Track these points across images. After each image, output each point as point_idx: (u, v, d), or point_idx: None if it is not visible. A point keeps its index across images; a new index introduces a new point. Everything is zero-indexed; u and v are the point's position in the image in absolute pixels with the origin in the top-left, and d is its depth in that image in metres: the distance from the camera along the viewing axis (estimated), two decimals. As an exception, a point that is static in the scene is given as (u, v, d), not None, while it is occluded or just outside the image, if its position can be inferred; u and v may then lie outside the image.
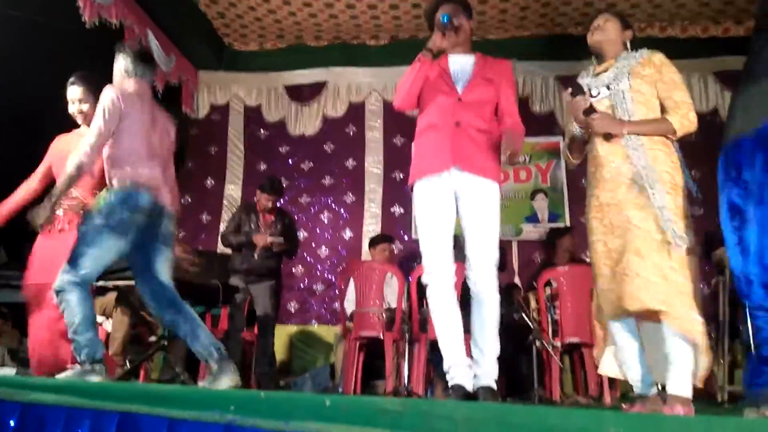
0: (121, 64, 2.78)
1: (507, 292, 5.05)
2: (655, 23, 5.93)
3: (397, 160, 6.16)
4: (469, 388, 2.43)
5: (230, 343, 4.07)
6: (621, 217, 2.15)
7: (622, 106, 2.22)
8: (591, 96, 2.27)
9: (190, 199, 6.03)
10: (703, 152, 5.72)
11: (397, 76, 6.31)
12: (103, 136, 2.58)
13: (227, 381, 2.50)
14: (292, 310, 5.83)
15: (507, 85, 2.61)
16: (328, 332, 5.38)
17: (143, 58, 2.84)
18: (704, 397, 4.37)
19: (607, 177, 2.21)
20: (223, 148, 6.22)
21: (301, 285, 5.89)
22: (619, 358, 2.28)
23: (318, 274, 5.94)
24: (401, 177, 6.14)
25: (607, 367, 2.34)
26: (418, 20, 5.86)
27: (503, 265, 4.76)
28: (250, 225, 4.58)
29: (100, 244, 2.51)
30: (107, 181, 2.67)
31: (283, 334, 5.48)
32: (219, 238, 5.03)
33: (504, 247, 4.97)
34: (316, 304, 5.85)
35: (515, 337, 4.39)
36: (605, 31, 2.37)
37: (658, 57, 2.29)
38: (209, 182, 6.25)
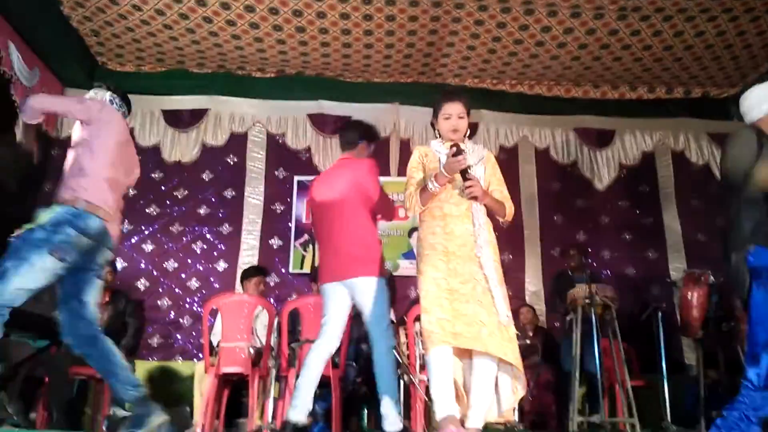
0: (101, 94, 2.81)
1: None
2: (525, 81, 6.45)
3: (279, 192, 6.11)
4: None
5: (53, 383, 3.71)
6: (466, 269, 2.47)
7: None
8: None
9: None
10: (565, 200, 6.31)
11: (283, 110, 6.38)
12: (63, 105, 2.61)
13: (157, 419, 2.37)
14: (155, 345, 5.46)
15: None
16: (192, 368, 5.08)
17: (123, 97, 2.89)
18: (556, 428, 4.63)
19: (458, 233, 2.54)
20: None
21: (167, 318, 5.55)
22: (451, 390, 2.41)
23: (186, 306, 5.64)
24: (282, 209, 6.07)
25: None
26: (305, 57, 5.94)
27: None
28: None
29: (35, 261, 2.29)
30: (59, 196, 2.50)
31: (142, 370, 5.10)
32: None
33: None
34: (182, 338, 5.53)
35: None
36: (462, 131, 2.70)
37: (493, 158, 2.81)
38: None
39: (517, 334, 4.43)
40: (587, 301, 4.11)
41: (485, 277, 2.44)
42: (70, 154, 2.62)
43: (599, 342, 4.06)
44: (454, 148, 2.52)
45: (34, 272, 2.31)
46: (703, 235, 6.11)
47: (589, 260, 5.67)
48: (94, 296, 2.55)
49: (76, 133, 2.67)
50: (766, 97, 2.65)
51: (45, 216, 2.41)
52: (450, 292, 2.42)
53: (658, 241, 6.18)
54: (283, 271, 5.85)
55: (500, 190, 2.71)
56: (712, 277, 4.11)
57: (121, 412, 3.18)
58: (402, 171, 5.90)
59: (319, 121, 6.30)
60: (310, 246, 5.92)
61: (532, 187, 6.32)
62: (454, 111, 2.68)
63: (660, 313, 4.39)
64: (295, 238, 5.95)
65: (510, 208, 2.70)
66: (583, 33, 5.48)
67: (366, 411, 4.48)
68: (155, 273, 5.70)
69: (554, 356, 4.90)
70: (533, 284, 5.91)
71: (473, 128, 5.91)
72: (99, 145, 2.59)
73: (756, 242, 2.48)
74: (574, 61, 5.96)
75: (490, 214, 2.67)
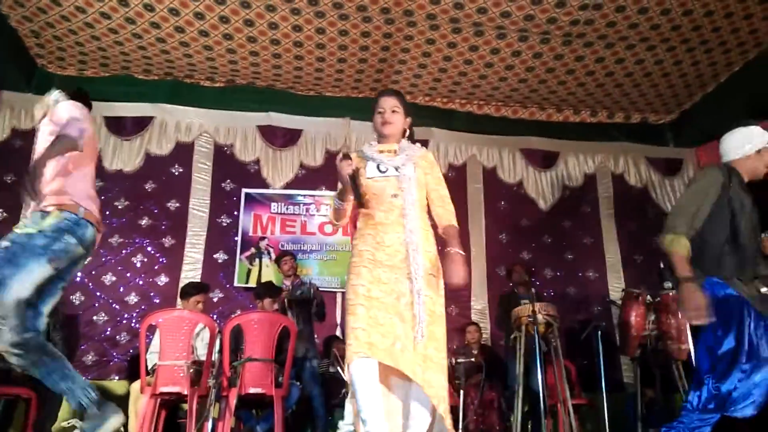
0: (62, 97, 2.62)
1: (326, 344, 5.04)
2: (474, 101, 6.56)
3: (225, 204, 5.97)
4: None
5: None
6: (391, 278, 2.34)
7: (407, 189, 2.45)
8: (380, 171, 2.49)
9: (-28, 233, 5.19)
10: (511, 218, 6.43)
11: (232, 120, 6.27)
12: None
13: (115, 421, 2.24)
14: (89, 363, 5.18)
15: None
16: (128, 388, 4.86)
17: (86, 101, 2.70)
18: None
19: (388, 242, 2.40)
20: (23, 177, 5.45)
21: (103, 335, 5.30)
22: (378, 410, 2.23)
23: (124, 322, 5.40)
24: (228, 222, 5.93)
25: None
26: (255, 67, 5.86)
27: (323, 315, 4.78)
28: None
29: (33, 268, 2.20)
30: (49, 201, 2.34)
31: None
32: None
33: (327, 299, 5.04)
34: (118, 356, 5.29)
35: (330, 388, 4.36)
36: (395, 124, 2.57)
37: (431, 157, 2.63)
38: (0, 214, 5.48)
39: (462, 352, 4.48)
40: (530, 319, 4.18)
41: (411, 290, 2.29)
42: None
43: (542, 360, 4.13)
44: (341, 155, 2.43)
45: (32, 281, 2.21)
46: (641, 256, 6.34)
47: (533, 279, 5.77)
48: (49, 308, 2.42)
49: (48, 133, 2.48)
50: (746, 139, 2.71)
51: (46, 221, 2.29)
52: (368, 300, 2.29)
53: (598, 261, 6.37)
54: (228, 285, 5.71)
55: (437, 191, 2.55)
56: (649, 297, 4.25)
57: (79, 424, 2.98)
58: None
59: (268, 133, 6.21)
60: (257, 260, 5.81)
61: (479, 205, 6.42)
62: (387, 105, 2.57)
63: (600, 332, 4.51)
64: (241, 252, 5.82)
65: (452, 212, 2.53)
66: (530, 56, 5.63)
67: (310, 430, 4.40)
68: (91, 286, 5.44)
69: (498, 374, 4.95)
70: (479, 302, 5.97)
71: (423, 145, 5.97)
72: (86, 154, 2.49)
73: (711, 272, 2.55)
74: (521, 83, 6.12)
75: (434, 222, 2.53)
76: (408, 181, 2.44)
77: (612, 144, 6.77)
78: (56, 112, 2.52)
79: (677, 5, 4.89)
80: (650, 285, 4.60)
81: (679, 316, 4.01)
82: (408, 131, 2.62)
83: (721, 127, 2.83)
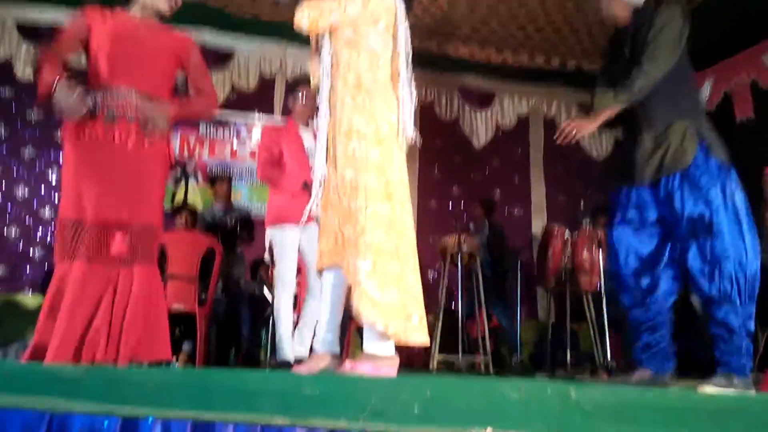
0: None
1: (254, 267, 5.04)
2: (415, 36, 6.41)
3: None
4: None
5: None
6: None
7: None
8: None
9: None
10: (444, 155, 6.50)
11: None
12: None
13: None
14: (-1, 277, 4.98)
15: None
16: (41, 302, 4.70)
17: None
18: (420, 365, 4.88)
19: None
20: None
21: (15, 249, 5.06)
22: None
23: (37, 237, 5.16)
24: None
25: None
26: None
27: (252, 237, 4.76)
28: None
29: None
30: None
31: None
32: None
33: (256, 225, 4.99)
34: (31, 270, 5.08)
35: (257, 310, 4.41)
36: None
37: None
38: None
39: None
40: (456, 250, 4.31)
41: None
42: None
43: (464, 287, 4.31)
44: None
45: None
46: (565, 197, 6.62)
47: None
48: None
49: None
50: None
51: None
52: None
53: (524, 200, 6.60)
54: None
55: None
56: (567, 233, 4.45)
57: None
58: (287, 112, 5.73)
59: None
60: (183, 182, 5.62)
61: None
62: None
63: (520, 264, 4.71)
64: (166, 173, 5.62)
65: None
66: (474, -7, 5.57)
67: (234, 349, 4.42)
68: (2, 200, 5.14)
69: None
70: (408, 235, 6.08)
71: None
72: None
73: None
74: (464, 21, 6.06)
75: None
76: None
77: (546, 88, 6.89)
78: None
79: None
80: (570, 223, 4.82)
81: (593, 251, 4.25)
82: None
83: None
